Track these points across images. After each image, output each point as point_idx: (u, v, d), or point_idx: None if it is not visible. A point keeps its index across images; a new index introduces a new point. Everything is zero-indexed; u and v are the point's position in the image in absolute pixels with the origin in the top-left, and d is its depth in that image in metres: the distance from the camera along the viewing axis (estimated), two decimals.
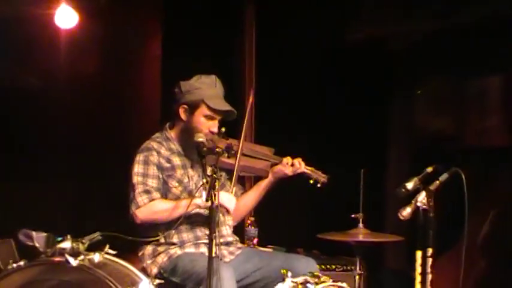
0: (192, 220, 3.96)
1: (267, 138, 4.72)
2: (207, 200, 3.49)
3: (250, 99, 4.20)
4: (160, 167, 4.00)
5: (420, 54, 6.01)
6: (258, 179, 4.30)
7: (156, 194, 3.95)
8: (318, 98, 5.99)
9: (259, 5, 6.11)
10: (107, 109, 6.14)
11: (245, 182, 4.63)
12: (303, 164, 4.15)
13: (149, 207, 3.91)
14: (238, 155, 4.05)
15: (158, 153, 4.02)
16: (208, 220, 3.48)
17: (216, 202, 3.47)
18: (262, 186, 4.22)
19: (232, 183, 4.05)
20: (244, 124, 4.16)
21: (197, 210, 3.87)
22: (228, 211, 3.96)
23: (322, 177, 4.17)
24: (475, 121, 5.83)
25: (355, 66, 6.07)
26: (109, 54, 6.22)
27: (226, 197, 3.90)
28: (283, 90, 5.99)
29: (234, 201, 3.97)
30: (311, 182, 4.16)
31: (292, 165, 4.13)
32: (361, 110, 6.06)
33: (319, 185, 4.16)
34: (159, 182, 3.99)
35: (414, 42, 6.03)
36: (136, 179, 3.95)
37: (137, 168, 3.98)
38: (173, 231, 3.93)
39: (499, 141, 5.66)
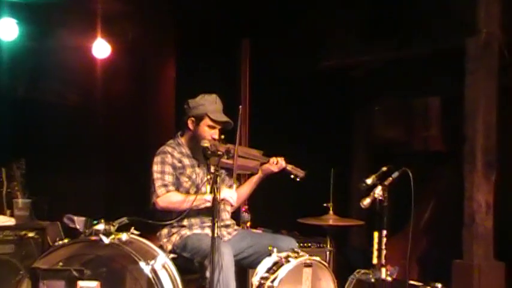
0: (199, 207, 3.91)
1: (259, 142, 4.70)
2: (210, 192, 3.49)
3: (240, 112, 4.17)
4: (173, 166, 3.97)
5: (377, 79, 6.04)
6: (250, 175, 4.26)
7: (172, 187, 3.93)
8: (299, 112, 5.98)
9: (252, 38, 6.11)
10: (132, 120, 6.15)
11: (240, 178, 4.61)
12: (284, 162, 4.11)
13: (167, 197, 3.89)
14: (236, 158, 4.02)
15: (172, 155, 3.99)
16: (211, 207, 3.48)
17: (218, 194, 3.46)
18: (253, 180, 4.19)
19: (233, 179, 4.03)
20: (238, 130, 4.10)
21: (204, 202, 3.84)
22: (231, 205, 3.96)
23: (300, 173, 4.13)
24: (419, 131, 5.83)
25: (328, 88, 6.09)
26: (134, 77, 6.22)
27: (229, 193, 3.89)
28: (272, 104, 5.97)
29: (236, 196, 3.96)
30: (292, 176, 4.12)
31: (277, 163, 4.11)
32: (332, 122, 6.09)
33: (298, 179, 4.12)
34: (173, 178, 3.96)
35: (373, 69, 6.05)
36: (156, 175, 3.92)
37: (156, 167, 3.95)
38: (184, 215, 3.89)
39: (437, 147, 5.66)
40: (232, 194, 3.91)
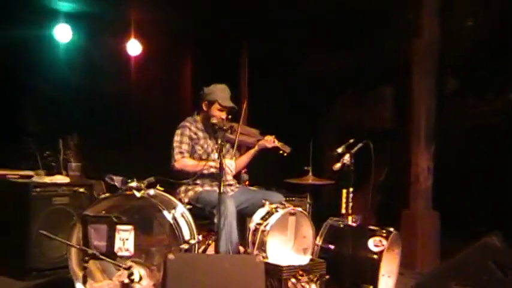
0: (209, 170, 3.84)
1: (255, 122, 4.63)
2: (218, 158, 3.43)
3: (244, 106, 4.12)
4: (190, 137, 3.89)
5: (345, 76, 5.95)
6: (249, 148, 4.16)
7: (186, 154, 3.85)
8: (286, 99, 5.89)
9: (251, 44, 6.07)
10: (158, 101, 6.07)
11: (241, 150, 4.52)
12: (276, 140, 3.99)
13: (182, 161, 3.81)
14: (237, 134, 3.93)
15: (190, 129, 3.91)
16: (218, 170, 3.44)
17: (223, 159, 3.43)
18: (251, 153, 4.08)
19: (234, 151, 3.97)
20: (241, 117, 4.05)
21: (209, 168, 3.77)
22: (230, 171, 3.85)
23: (287, 149, 3.99)
24: (376, 114, 5.79)
25: (307, 83, 6.03)
26: (160, 69, 6.13)
27: (229, 163, 3.79)
28: (265, 96, 5.87)
29: (234, 166, 3.87)
30: (280, 152, 3.99)
31: (270, 141, 3.97)
32: (311, 109, 6.05)
33: (285, 154, 3.99)
34: (189, 147, 3.87)
35: (343, 68, 5.96)
36: (175, 144, 3.85)
37: (176, 138, 3.87)
38: (197, 176, 3.84)
39: (387, 125, 5.63)
40: (230, 164, 3.81)
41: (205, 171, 3.75)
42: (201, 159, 3.86)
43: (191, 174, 3.81)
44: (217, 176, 3.54)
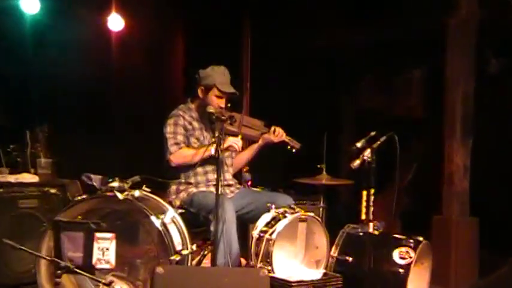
0: (204, 167, 3.89)
1: (258, 111, 4.65)
2: (215, 152, 3.46)
3: (247, 92, 4.15)
4: (185, 128, 3.92)
5: (364, 55, 5.97)
6: (251, 142, 4.19)
7: (183, 145, 3.88)
8: (295, 83, 5.90)
9: (253, 19, 6.06)
10: (146, 87, 6.05)
11: (242, 144, 4.56)
12: (284, 133, 4.04)
13: (179, 153, 3.84)
14: (239, 126, 3.96)
15: (183, 118, 3.94)
16: (216, 168, 3.45)
17: (221, 155, 3.46)
18: (254, 148, 4.13)
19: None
20: (244, 106, 4.10)
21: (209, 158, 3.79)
22: (236, 150, 3.90)
23: (296, 145, 4.05)
24: (402, 101, 5.79)
25: (319, 67, 6.06)
26: (146, 48, 6.13)
27: (234, 140, 3.85)
28: (270, 80, 5.88)
29: (240, 143, 3.91)
30: (288, 147, 4.04)
31: (277, 133, 4.02)
32: (325, 96, 6.06)
33: (294, 150, 4.04)
34: (184, 137, 3.91)
35: (361, 46, 5.95)
36: (168, 135, 3.87)
37: (169, 128, 3.89)
38: (191, 175, 3.89)
39: (416, 114, 5.65)
40: (237, 141, 3.86)
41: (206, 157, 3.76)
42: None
43: (184, 172, 3.86)
44: (214, 174, 3.56)
